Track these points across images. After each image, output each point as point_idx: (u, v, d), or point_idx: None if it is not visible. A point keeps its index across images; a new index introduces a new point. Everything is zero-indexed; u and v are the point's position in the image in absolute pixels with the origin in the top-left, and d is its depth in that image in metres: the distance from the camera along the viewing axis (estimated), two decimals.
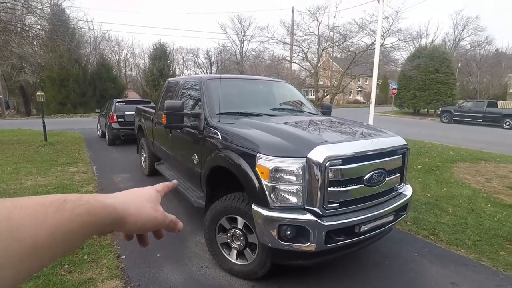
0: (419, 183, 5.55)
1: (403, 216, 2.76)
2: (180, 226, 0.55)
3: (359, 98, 46.52)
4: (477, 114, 19.11)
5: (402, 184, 2.77)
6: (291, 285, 2.60)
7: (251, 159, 2.31)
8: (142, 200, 0.49)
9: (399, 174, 2.67)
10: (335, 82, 11.58)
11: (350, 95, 45.63)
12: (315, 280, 2.68)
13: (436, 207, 4.39)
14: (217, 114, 3.11)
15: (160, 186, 0.58)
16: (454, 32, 41.54)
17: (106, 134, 9.60)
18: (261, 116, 3.26)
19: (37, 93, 8.86)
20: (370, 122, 6.84)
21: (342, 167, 2.20)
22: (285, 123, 2.88)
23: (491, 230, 3.67)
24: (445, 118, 20.60)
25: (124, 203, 0.46)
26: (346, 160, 2.22)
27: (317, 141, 2.25)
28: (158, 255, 3.06)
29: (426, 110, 25.75)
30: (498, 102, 22.87)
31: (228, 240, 2.71)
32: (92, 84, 24.94)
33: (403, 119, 22.67)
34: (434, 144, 10.24)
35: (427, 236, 3.55)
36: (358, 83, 44.86)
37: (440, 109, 22.15)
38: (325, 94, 11.24)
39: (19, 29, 9.52)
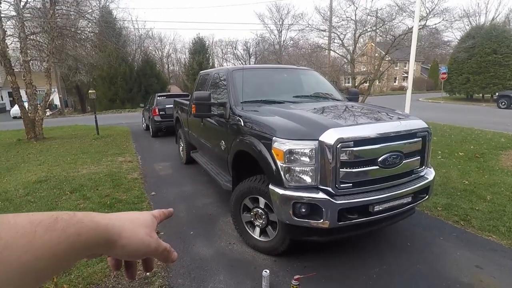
0: (458, 170, 5.28)
1: (424, 198, 2.76)
2: (175, 256, 0.53)
3: (405, 84, 43.74)
4: None
5: (424, 167, 2.76)
6: (310, 260, 2.76)
7: (268, 143, 2.49)
8: (137, 224, 0.48)
9: (419, 157, 2.67)
10: (375, 68, 11.13)
11: (395, 82, 43.18)
12: (334, 256, 2.81)
13: (473, 194, 4.19)
14: (241, 102, 3.32)
15: (157, 212, 0.56)
16: None
17: (150, 127, 10.36)
18: (283, 103, 3.41)
19: (89, 91, 9.85)
20: (407, 109, 6.57)
21: (354, 149, 2.29)
22: (304, 109, 3.00)
23: None
24: (503, 103, 18.64)
25: (118, 224, 0.44)
26: (359, 142, 2.31)
27: (329, 125, 2.36)
28: (191, 232, 3.39)
29: (481, 95, 23.52)
30: None
31: (252, 219, 2.94)
32: (137, 80, 26.68)
33: (454, 105, 21.01)
34: (484, 131, 9.46)
35: (457, 221, 3.45)
36: (404, 68, 42.21)
37: (497, 93, 20.08)
38: (362, 81, 10.89)
39: (73, 33, 10.58)
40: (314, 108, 3.10)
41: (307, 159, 2.31)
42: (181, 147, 6.38)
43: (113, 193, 4.59)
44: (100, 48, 12.84)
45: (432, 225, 3.40)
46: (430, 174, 2.83)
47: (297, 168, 2.34)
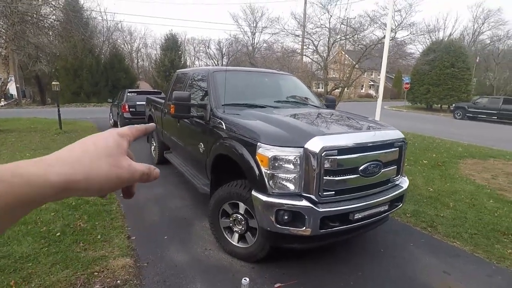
0: (423, 177, 5.60)
1: (399, 206, 2.87)
2: (156, 173, 0.46)
3: (371, 92, 45.87)
4: (492, 111, 18.67)
5: (399, 176, 2.87)
6: (289, 266, 2.75)
7: (252, 148, 2.45)
8: (93, 158, 0.38)
9: (395, 166, 2.77)
10: (346, 76, 11.53)
11: (362, 89, 45.06)
12: (312, 262, 2.83)
13: (437, 201, 4.45)
14: (222, 105, 3.25)
15: (127, 129, 0.46)
16: (474, 25, 40.34)
17: (118, 123, 9.88)
18: (265, 107, 3.39)
19: (53, 83, 9.17)
20: (377, 117, 6.86)
21: (338, 157, 2.31)
22: (287, 115, 2.99)
23: (490, 225, 3.73)
24: (458, 114, 20.21)
25: (66, 169, 0.35)
26: (342, 151, 2.34)
27: (314, 132, 2.37)
28: (165, 237, 3.25)
29: (439, 105, 25.27)
30: None
31: (231, 224, 2.88)
32: (104, 74, 25.38)
33: (415, 114, 22.36)
34: (444, 140, 10.16)
35: (425, 228, 3.64)
36: (371, 77, 44.23)
37: (453, 105, 21.71)
38: (334, 88, 11.22)
39: (35, 19, 9.81)
40: (297, 114, 3.11)
41: (291, 166, 2.30)
42: (153, 147, 6.14)
43: None
44: (65, 37, 12.04)
45: (402, 232, 3.55)
46: (404, 182, 2.95)
47: (282, 175, 2.32)
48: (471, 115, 19.51)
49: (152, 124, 0.51)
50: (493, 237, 3.46)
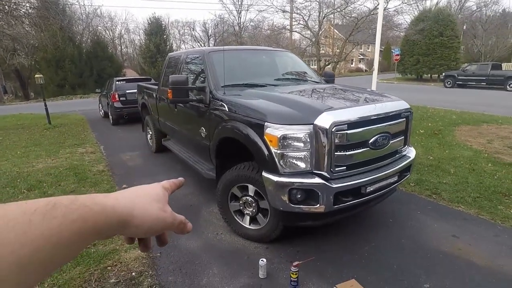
0: (422, 147, 5.64)
1: (407, 176, 2.88)
2: (190, 227, 0.50)
3: (361, 66, 45.60)
4: (481, 78, 18.79)
5: (406, 146, 2.86)
6: (302, 244, 2.77)
7: (259, 129, 2.39)
8: (148, 200, 0.44)
9: (403, 137, 2.75)
10: (337, 50, 11.35)
11: (352, 63, 44.73)
12: (324, 238, 2.85)
13: (438, 168, 4.51)
14: (222, 86, 3.14)
15: (167, 183, 0.52)
16: None
17: (109, 114, 9.63)
18: (266, 86, 3.30)
19: (36, 75, 8.80)
20: (373, 89, 6.81)
21: (348, 132, 2.27)
22: (290, 92, 2.92)
23: (491, 187, 3.80)
24: (449, 82, 20.30)
25: (127, 204, 0.41)
26: (352, 125, 2.29)
27: (322, 108, 2.31)
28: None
29: (429, 75, 25.31)
30: (502, 64, 22.38)
31: (241, 207, 2.85)
32: (88, 64, 24.56)
33: (406, 85, 22.38)
34: (437, 109, 10.22)
35: (430, 195, 3.69)
36: (360, 50, 43.79)
37: (443, 73, 21.76)
38: (327, 63, 11.07)
39: (7, 7, 9.28)
40: (300, 91, 3.04)
41: (301, 144, 2.25)
42: (149, 135, 6.02)
43: (79, 188, 4.21)
44: (42, 26, 11.46)
45: (408, 201, 3.60)
46: (411, 152, 2.95)
47: (292, 154, 2.28)
48: (461, 82, 19.63)
49: (181, 179, 0.56)
50: (495, 199, 3.54)
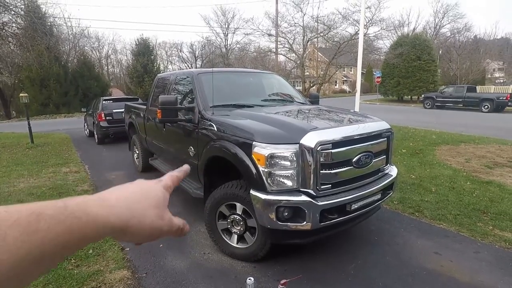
0: (404, 166, 5.83)
1: (390, 194, 2.98)
2: (187, 230, 0.47)
3: (345, 87, 47.09)
4: (458, 99, 19.74)
5: (388, 165, 2.98)
6: (289, 263, 2.78)
7: (247, 148, 2.45)
8: (146, 206, 0.40)
9: (384, 156, 2.87)
10: (321, 72, 11.76)
11: (336, 85, 46.11)
12: (311, 256, 2.87)
13: (420, 187, 4.66)
14: (210, 106, 3.23)
15: (169, 180, 0.47)
16: (435, 19, 42.52)
17: (95, 133, 9.52)
18: (253, 107, 3.40)
19: (21, 94, 8.68)
20: (356, 110, 7.07)
21: (332, 151, 2.37)
22: (277, 113, 3.03)
23: (470, 205, 3.95)
24: (428, 104, 21.19)
25: (124, 212, 0.37)
26: (336, 144, 2.40)
27: (308, 128, 2.42)
28: (161, 245, 3.18)
29: (409, 97, 26.38)
30: (477, 87, 23.65)
31: (228, 226, 2.86)
32: (74, 83, 24.34)
33: (388, 106, 23.20)
34: (418, 129, 10.62)
35: (413, 213, 3.80)
36: (344, 72, 45.37)
37: (422, 95, 22.75)
38: (312, 85, 11.43)
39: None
40: (286, 112, 3.15)
41: (288, 163, 2.33)
42: (135, 154, 5.98)
43: None
44: (28, 46, 11.43)
45: (392, 218, 3.69)
46: (393, 171, 3.07)
47: (279, 172, 2.34)
48: (439, 104, 20.52)
49: (186, 166, 0.53)
50: (475, 216, 3.68)
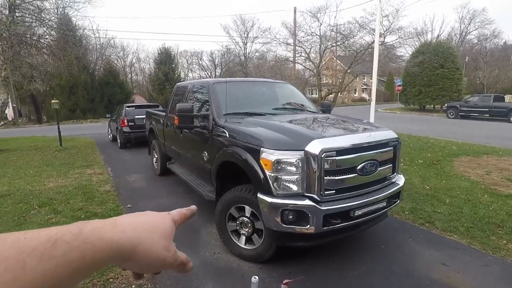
0: (419, 176, 5.76)
1: (396, 203, 3.02)
2: (190, 266, 0.48)
3: (364, 95, 46.42)
4: (484, 109, 19.03)
5: (395, 174, 3.03)
6: (295, 266, 2.87)
7: (256, 153, 2.60)
8: (156, 235, 0.41)
9: (391, 165, 2.93)
10: (339, 81, 11.80)
11: (355, 93, 45.61)
12: (316, 260, 2.95)
13: (434, 198, 4.61)
14: (224, 114, 3.41)
15: (178, 214, 0.49)
16: (460, 26, 41.44)
17: (118, 138, 10.00)
18: (265, 115, 3.55)
19: (52, 101, 9.31)
20: (371, 119, 7.07)
21: (337, 158, 2.47)
22: (286, 121, 3.16)
23: (485, 218, 3.88)
24: (451, 113, 20.55)
25: (133, 237, 0.38)
26: (340, 152, 2.50)
27: (313, 136, 2.54)
28: (174, 243, 3.34)
29: (432, 106, 25.68)
30: (505, 96, 22.70)
31: (237, 227, 3.00)
32: (99, 90, 25.59)
33: (409, 115, 22.70)
34: (438, 140, 10.37)
35: (423, 224, 3.78)
36: (363, 80, 44.84)
37: (446, 104, 22.10)
38: (329, 93, 11.48)
39: (33, 41, 10.01)
40: (295, 120, 3.28)
41: (293, 168, 2.45)
42: (154, 158, 6.26)
43: (86, 206, 4.40)
44: (60, 56, 12.25)
45: (401, 228, 3.69)
46: (400, 180, 3.11)
47: (285, 177, 2.47)
48: (463, 113, 19.86)
49: (192, 208, 0.54)
50: (488, 229, 3.61)
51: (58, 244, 0.31)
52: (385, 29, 10.15)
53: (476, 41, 39.19)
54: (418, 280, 2.68)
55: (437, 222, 3.81)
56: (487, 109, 18.91)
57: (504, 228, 3.66)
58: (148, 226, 0.42)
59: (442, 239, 3.42)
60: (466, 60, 33.23)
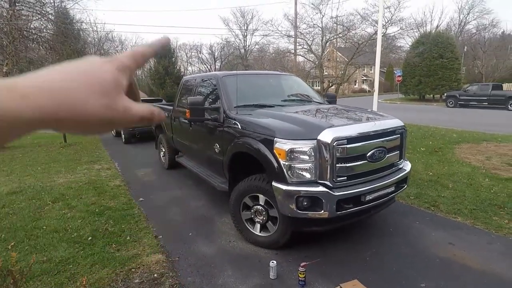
0: (422, 163, 5.90)
1: (403, 187, 3.15)
2: (161, 116, 0.38)
3: (365, 86, 46.41)
4: (482, 98, 19.14)
5: (402, 160, 3.15)
6: (309, 250, 3.01)
7: (269, 144, 2.71)
8: (83, 93, 0.30)
9: (398, 152, 3.04)
10: (340, 72, 11.86)
11: (355, 84, 45.55)
12: (329, 245, 3.09)
13: (437, 183, 4.75)
14: (234, 107, 3.51)
15: (126, 58, 0.36)
16: (459, 16, 41.10)
17: (122, 133, 10.07)
18: (274, 106, 3.65)
19: None
20: (374, 109, 7.16)
21: (348, 146, 2.59)
22: (296, 112, 3.26)
23: (487, 200, 4.03)
24: (451, 102, 20.67)
25: (43, 103, 0.28)
26: (351, 140, 2.61)
27: (325, 125, 2.64)
28: (190, 234, 3.49)
29: (431, 95, 25.77)
30: (503, 84, 22.78)
31: (252, 216, 3.13)
32: None
33: (409, 105, 22.79)
34: (438, 128, 10.49)
35: (428, 207, 3.93)
36: (363, 72, 44.75)
37: (445, 94, 22.20)
38: (330, 85, 11.55)
39: (34, 35, 10.01)
40: (304, 111, 3.38)
41: (306, 157, 2.56)
42: (162, 152, 6.37)
43: (99, 200, 4.51)
44: (58, 50, 12.22)
45: (408, 212, 3.83)
46: (407, 166, 3.23)
47: (298, 165, 2.58)
48: (462, 102, 19.97)
49: (167, 38, 0.42)
50: (491, 210, 3.76)
51: None
52: (387, 21, 10.16)
53: (475, 31, 38.98)
54: (428, 258, 2.82)
55: (441, 206, 3.95)
56: (485, 98, 19.02)
57: (506, 208, 3.80)
58: (71, 82, 0.30)
59: (447, 221, 3.57)
60: (465, 50, 33.15)
